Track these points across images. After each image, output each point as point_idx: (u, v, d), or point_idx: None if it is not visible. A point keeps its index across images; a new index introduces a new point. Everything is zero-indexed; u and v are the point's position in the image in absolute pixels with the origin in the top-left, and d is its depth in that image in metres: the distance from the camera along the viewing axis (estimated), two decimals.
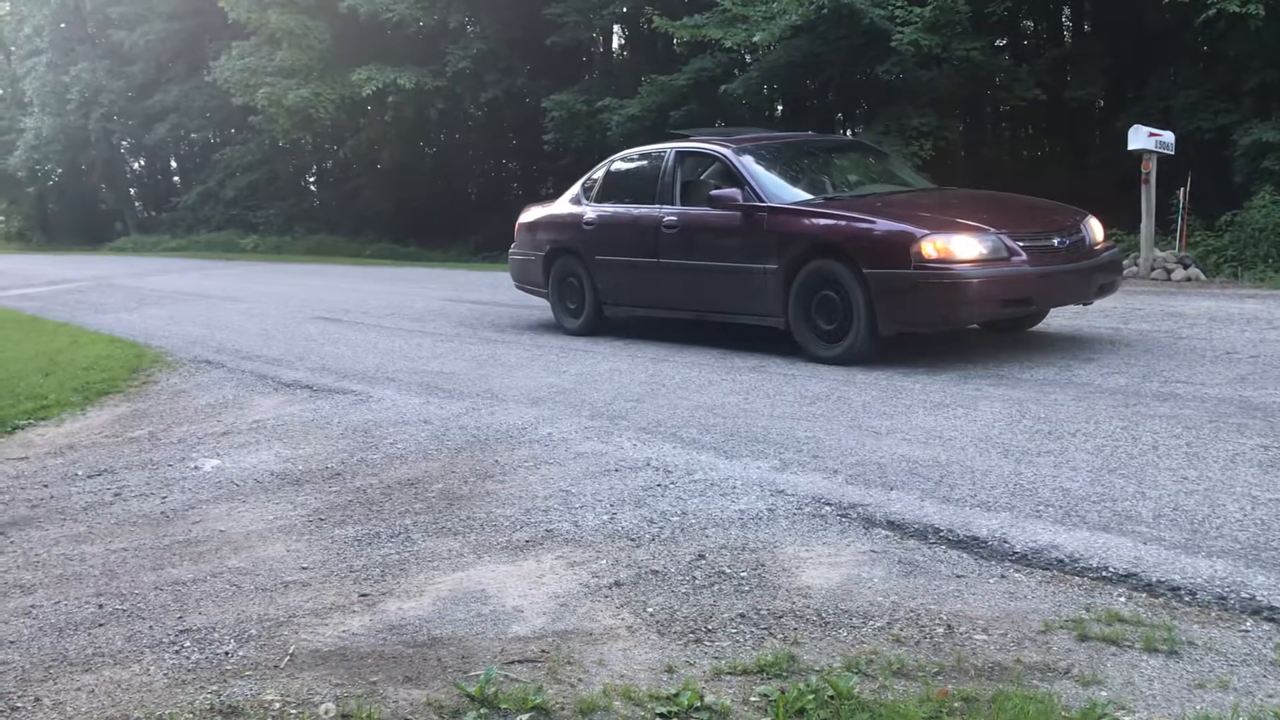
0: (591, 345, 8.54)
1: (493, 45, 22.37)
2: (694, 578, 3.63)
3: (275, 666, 3.19)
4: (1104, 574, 3.41)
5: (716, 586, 3.55)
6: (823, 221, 7.28)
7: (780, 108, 20.81)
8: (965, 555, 3.68)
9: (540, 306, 10.13)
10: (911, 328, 7.08)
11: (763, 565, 3.70)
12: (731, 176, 7.92)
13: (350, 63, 22.70)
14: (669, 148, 8.74)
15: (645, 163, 8.96)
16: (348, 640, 3.35)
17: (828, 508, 4.22)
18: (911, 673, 2.89)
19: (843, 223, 7.15)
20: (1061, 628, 3.08)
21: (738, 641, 3.16)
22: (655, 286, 8.49)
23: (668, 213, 8.30)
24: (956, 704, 2.69)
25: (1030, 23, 18.14)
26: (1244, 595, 3.16)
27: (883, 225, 6.99)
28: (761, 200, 7.57)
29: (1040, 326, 7.99)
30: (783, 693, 2.80)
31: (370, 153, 27.32)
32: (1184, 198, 11.36)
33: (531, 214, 10.02)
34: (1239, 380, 5.84)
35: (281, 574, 3.97)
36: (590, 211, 9.09)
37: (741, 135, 8.81)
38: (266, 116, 24.94)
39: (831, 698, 2.75)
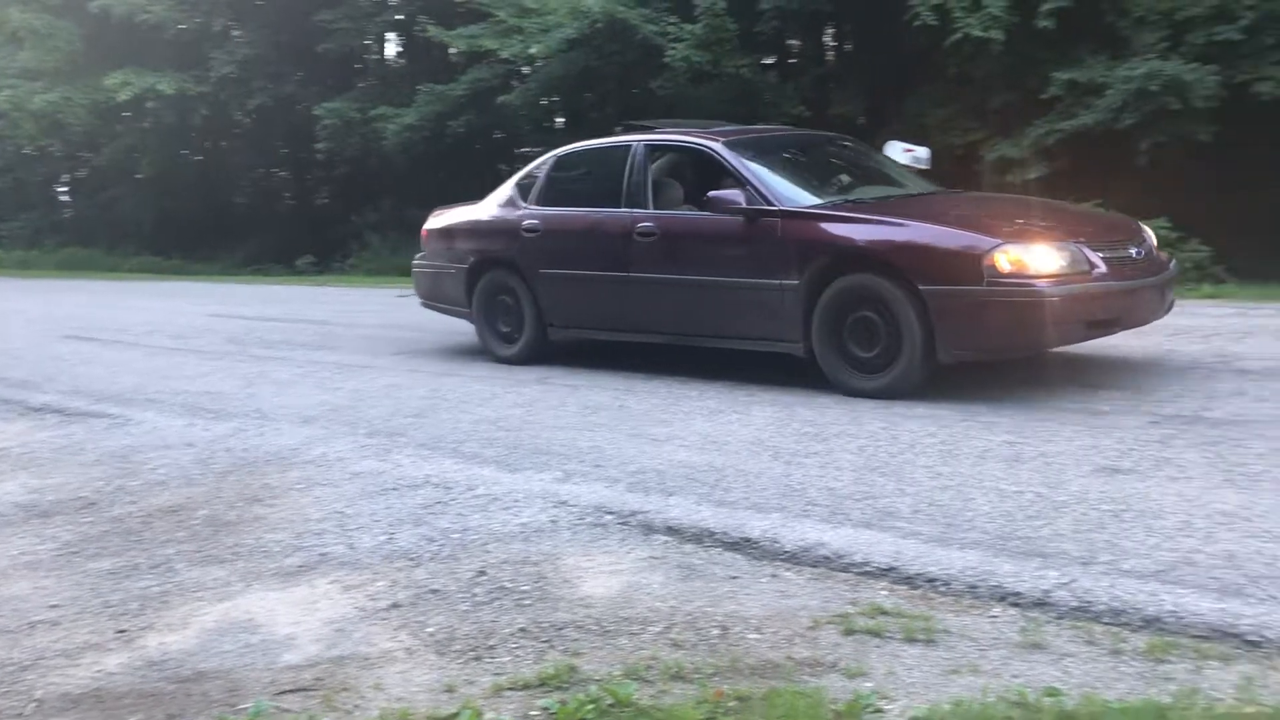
0: (369, 360, 8.34)
1: (260, 50, 21.57)
2: (475, 595, 3.59)
3: (19, 715, 2.96)
4: (867, 569, 3.58)
5: (498, 602, 3.53)
6: (857, 228, 6.19)
7: (560, 120, 20.96)
8: (739, 556, 3.78)
9: (321, 320, 9.82)
10: (978, 354, 6.01)
11: (544, 578, 3.70)
12: (725, 175, 6.77)
13: (103, 66, 21.40)
14: (635, 141, 7.40)
15: (605, 159, 7.67)
16: (103, 680, 3.14)
17: (609, 516, 4.26)
18: (688, 675, 2.94)
19: (887, 229, 6.08)
20: (829, 623, 3.21)
21: (518, 656, 3.15)
22: (624, 306, 7.17)
23: (641, 218, 7.03)
24: (731, 703, 2.76)
25: (796, 42, 18.91)
26: (992, 583, 3.38)
27: (944, 232, 5.96)
28: (770, 203, 6.45)
29: None
30: (563, 704, 2.80)
31: (128, 161, 25.80)
32: None
33: (446, 218, 8.55)
34: (988, 382, 6.24)
35: (27, 613, 3.68)
36: (531, 216, 7.69)
37: (717, 127, 7.75)
38: (10, 121, 23.21)
39: (611, 706, 2.77)
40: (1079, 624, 3.09)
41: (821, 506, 4.18)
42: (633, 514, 4.26)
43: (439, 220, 8.59)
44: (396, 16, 21.62)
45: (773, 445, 5.12)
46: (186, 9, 21.12)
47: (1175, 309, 6.51)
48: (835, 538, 3.83)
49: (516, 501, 4.53)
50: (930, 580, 3.45)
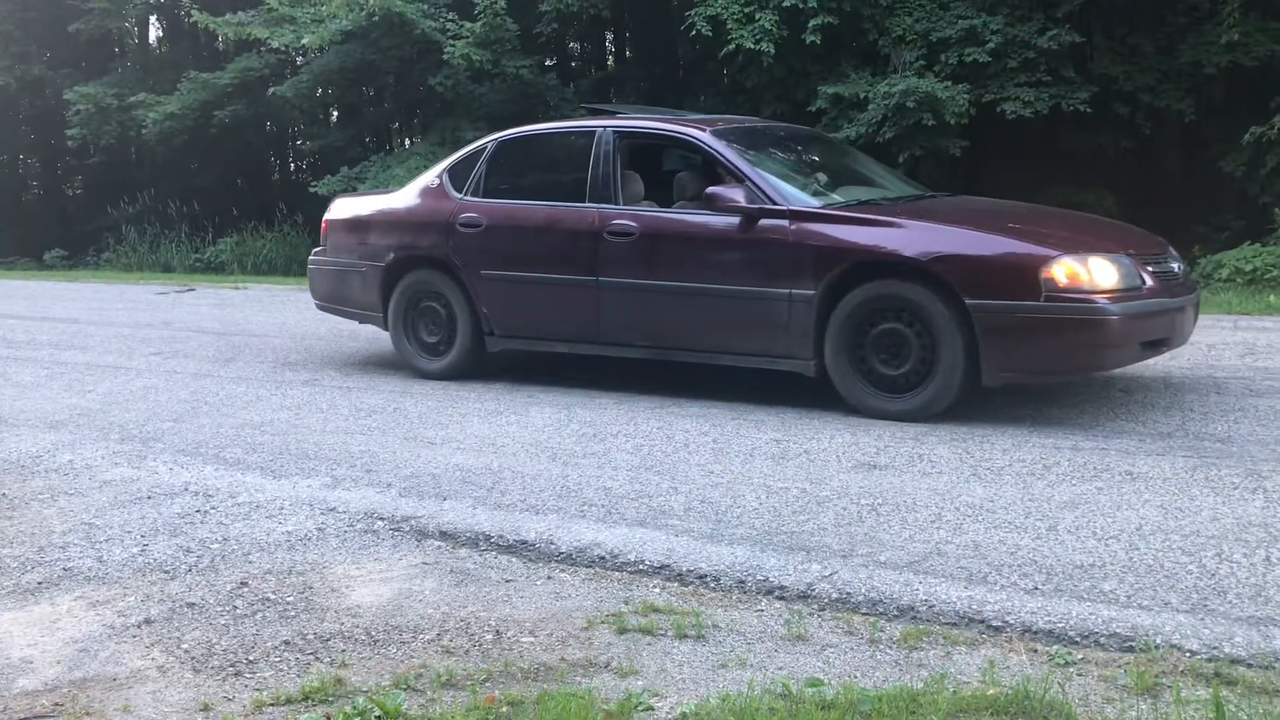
0: (124, 361, 7.84)
1: (3, 26, 20.02)
2: (235, 607, 3.42)
3: None
4: (640, 567, 3.62)
5: (260, 614, 3.37)
6: (885, 232, 5.51)
7: (335, 113, 20.37)
8: (515, 559, 3.75)
9: (71, 318, 9.16)
10: (1029, 376, 5.48)
11: (311, 588, 3.56)
12: (715, 170, 6.11)
13: None
14: (601, 127, 6.50)
15: (563, 145, 6.88)
16: None
17: (380, 522, 4.15)
18: (460, 682, 2.89)
19: (924, 235, 5.45)
20: (603, 623, 3.22)
21: (281, 670, 3.01)
22: (590, 315, 6.31)
23: (614, 215, 6.21)
24: (503, 709, 2.73)
25: (577, 45, 19.06)
26: (759, 578, 3.48)
27: (996, 242, 5.42)
28: (776, 202, 5.76)
29: None
30: (328, 717, 2.70)
31: None
32: None
33: (354, 207, 7.52)
34: (760, 384, 6.43)
35: None
36: (470, 209, 6.72)
37: (686, 116, 7.09)
38: None
39: (379, 717, 2.69)
40: (840, 615, 3.22)
41: (597, 506, 4.20)
42: (405, 519, 4.17)
43: (345, 209, 7.52)
44: None
45: (551, 446, 5.11)
46: None
47: None
48: (610, 537, 3.85)
49: (282, 509, 4.35)
50: (701, 577, 3.52)
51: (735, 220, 5.80)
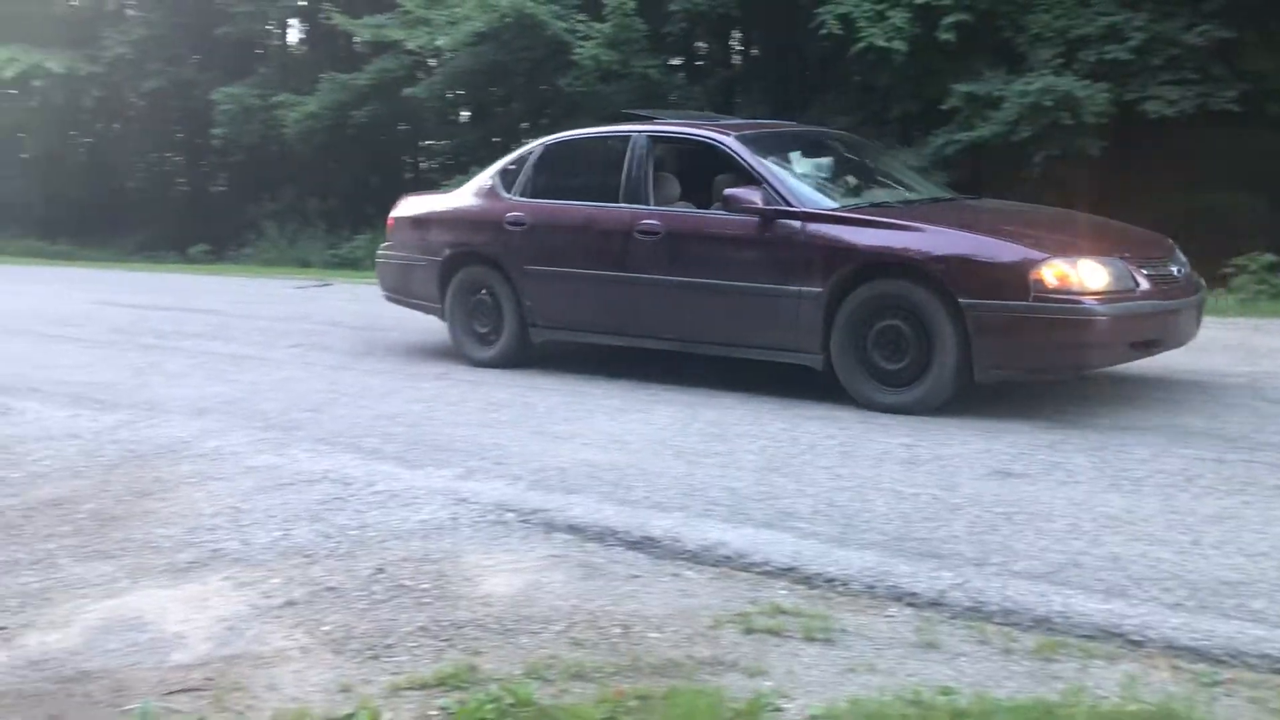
0: (265, 352, 8.15)
1: (157, 31, 20.98)
2: (373, 592, 3.54)
3: None
4: (767, 568, 3.61)
5: (396, 600, 3.47)
6: (890, 234, 5.82)
7: (466, 114, 20.78)
8: (641, 555, 3.79)
9: (214, 310, 9.56)
10: (1018, 373, 5.70)
11: (444, 576, 3.66)
12: (737, 173, 6.40)
13: None
14: (635, 131, 6.92)
15: (601, 149, 7.29)
16: None
17: (510, 514, 4.23)
18: (589, 674, 2.93)
19: (924, 237, 5.74)
20: (729, 622, 3.23)
21: (417, 655, 3.10)
22: (621, 308, 6.72)
23: (644, 215, 6.57)
24: (632, 703, 2.76)
25: (703, 44, 19.05)
26: (889, 583, 3.44)
27: (988, 243, 5.68)
28: (790, 204, 6.08)
29: None
30: (462, 704, 2.77)
31: (13, 141, 24.86)
32: None
33: (417, 205, 8.04)
34: None
35: None
36: (517, 209, 7.16)
37: (724, 120, 7.43)
38: None
39: (511, 705, 2.75)
40: (972, 624, 3.17)
41: (723, 506, 4.21)
42: (534, 512, 4.24)
43: (409, 208, 8.02)
44: (300, 2, 21.20)
45: (675, 445, 5.14)
46: None
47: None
48: (736, 537, 3.86)
49: (416, 498, 4.46)
50: (829, 580, 3.50)
51: (753, 221, 6.10)
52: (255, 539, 4.05)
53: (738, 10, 15.02)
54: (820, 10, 12.47)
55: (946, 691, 2.73)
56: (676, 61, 17.27)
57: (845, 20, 12.22)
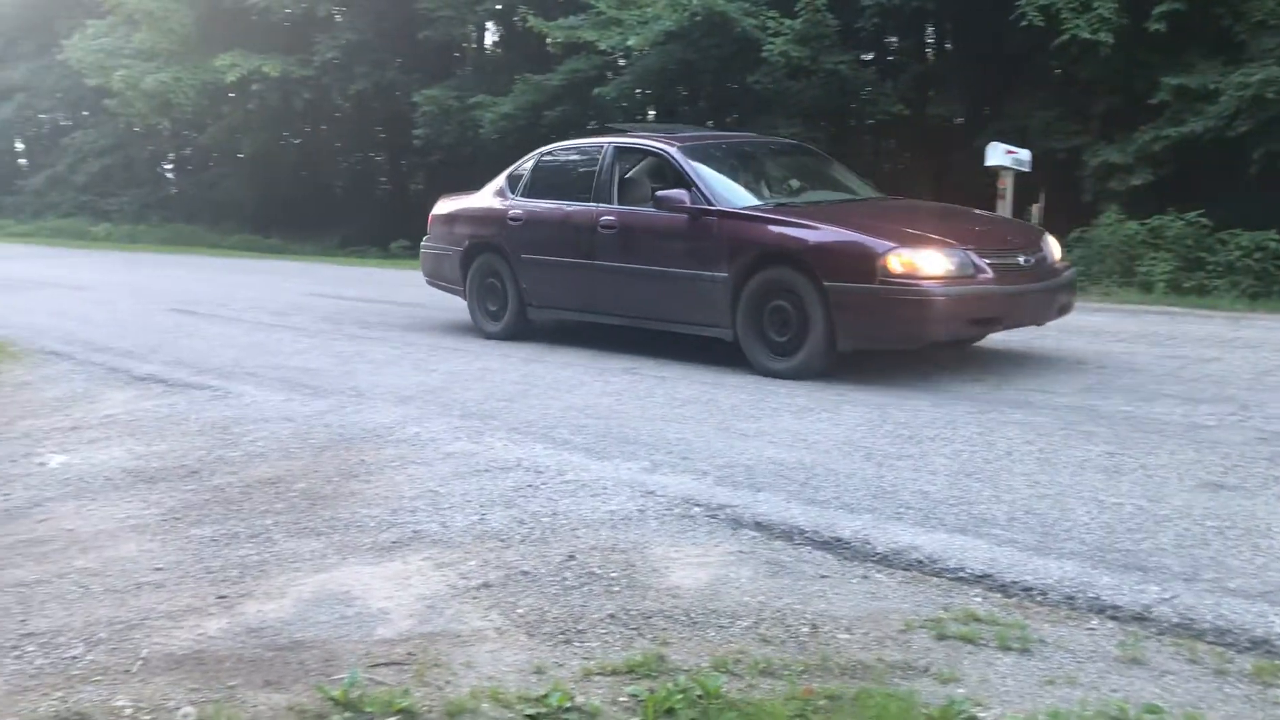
0: (462, 344, 8.45)
1: (363, 36, 21.95)
2: (564, 579, 3.62)
3: (127, 671, 3.06)
4: (961, 575, 3.52)
5: (586, 587, 3.55)
6: (780, 229, 6.87)
7: (653, 113, 20.97)
8: (829, 556, 3.75)
9: (416, 303, 9.96)
10: (872, 344, 6.69)
11: (633, 566, 3.71)
12: (677, 177, 7.46)
13: (213, 47, 21.97)
14: (606, 142, 8.23)
15: (580, 157, 8.48)
16: (204, 643, 3.24)
17: (697, 509, 4.26)
18: (778, 671, 2.93)
19: (803, 231, 6.77)
20: (921, 627, 3.17)
21: (607, 642, 3.16)
22: (588, 290, 7.97)
23: (605, 212, 7.79)
24: (821, 702, 2.75)
25: (895, 39, 18.67)
26: (1090, 595, 3.31)
27: (847, 236, 6.63)
28: (711, 203, 7.15)
29: None
30: (651, 693, 2.81)
31: (231, 141, 26.50)
32: (1037, 214, 11.84)
33: (448, 205, 9.36)
34: (1087, 390, 6.11)
35: (134, 575, 3.81)
36: (517, 207, 8.48)
37: (682, 133, 8.52)
38: (122, 100, 23.94)
39: (700, 697, 2.77)
40: (1181, 641, 3.01)
41: (915, 510, 4.13)
42: (721, 507, 4.25)
43: (444, 207, 9.36)
44: (496, 6, 21.80)
45: (864, 446, 5.06)
46: None
47: None
48: (929, 542, 3.78)
49: (605, 489, 4.55)
50: (1026, 589, 3.39)
51: (684, 217, 7.19)
52: (453, 522, 4.21)
53: (933, 4, 14.65)
54: (1021, 2, 12.05)
55: (1153, 710, 2.61)
56: (868, 57, 17.00)
57: (1047, 12, 11.78)
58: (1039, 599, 3.33)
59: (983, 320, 6.62)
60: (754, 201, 7.36)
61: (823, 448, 5.06)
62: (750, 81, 15.13)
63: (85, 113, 31.66)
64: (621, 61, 18.13)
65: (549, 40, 18.67)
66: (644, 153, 8.01)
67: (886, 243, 6.41)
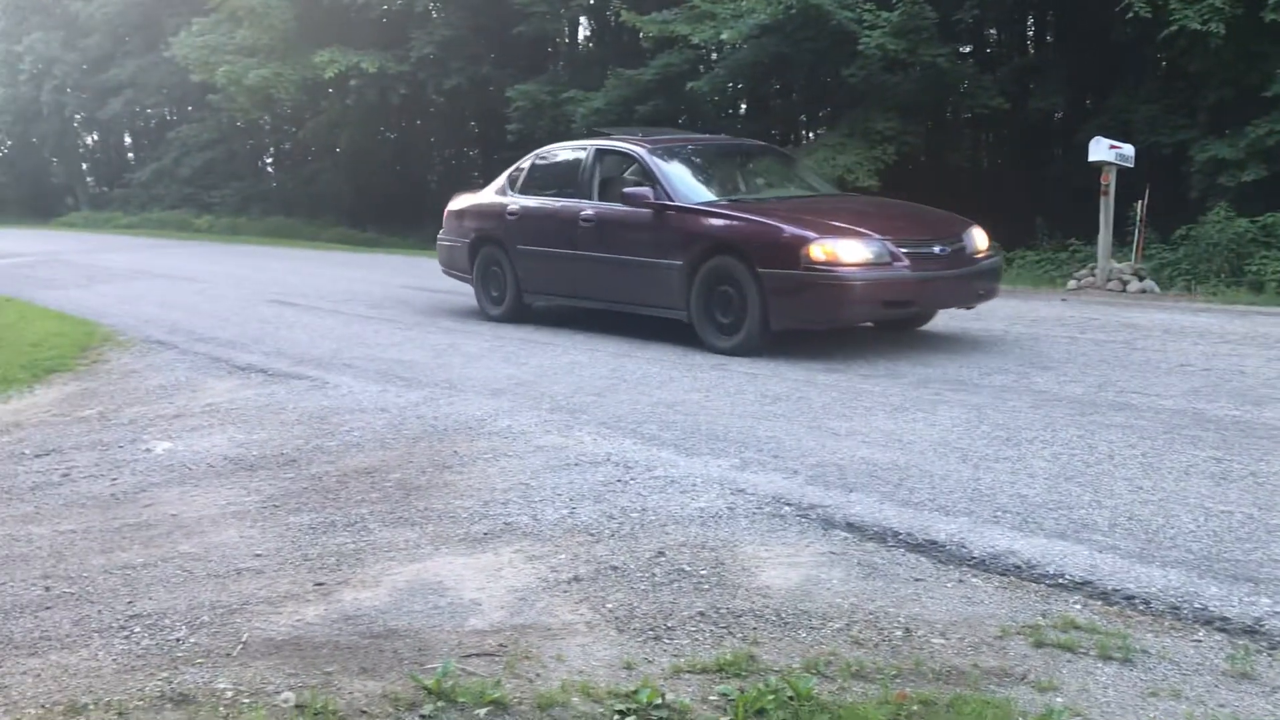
0: (552, 338, 8.51)
1: (458, 32, 22.21)
2: (654, 574, 3.62)
3: (228, 654, 3.14)
4: (1060, 581, 3.44)
5: (676, 584, 3.54)
6: (723, 222, 7.67)
7: (744, 106, 20.87)
8: (923, 559, 3.69)
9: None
10: (801, 324, 7.46)
11: (722, 564, 3.70)
12: (645, 175, 8.25)
13: (313, 44, 22.44)
14: (590, 144, 9.09)
15: (567, 158, 9.28)
16: (302, 629, 3.30)
17: (787, 508, 4.22)
18: (870, 675, 2.89)
19: (741, 224, 7.57)
20: (1018, 633, 3.10)
21: (697, 640, 3.15)
22: (572, 277, 8.78)
23: (585, 207, 8.61)
24: (915, 707, 2.70)
25: (995, 31, 18.32)
26: (1197, 605, 3.20)
27: (776, 228, 7.38)
28: (671, 199, 7.94)
29: (999, 333, 8.08)
30: (742, 692, 2.79)
31: (329, 136, 27.04)
32: (1141, 210, 11.51)
33: (460, 202, 10.29)
34: (1193, 393, 5.92)
35: (235, 560, 3.91)
36: (514, 202, 9.36)
37: (659, 136, 9.20)
38: (225, 95, 24.62)
39: (791, 698, 2.75)
40: None
41: (1012, 514, 4.04)
42: (812, 507, 4.21)
43: (455, 204, 10.34)
44: (590, 1, 21.89)
45: (960, 447, 4.97)
46: None
47: None
48: (1027, 546, 3.70)
49: (694, 486, 4.53)
50: (1129, 597, 3.29)
51: (648, 212, 7.99)
52: (544, 515, 4.23)
53: None
54: None
55: None
56: (966, 49, 16.69)
57: (1155, 2, 11.42)
58: (1142, 608, 3.24)
59: (896, 302, 7.32)
60: (711, 197, 8.18)
61: (918, 448, 4.98)
62: (845, 75, 14.95)
63: (190, 108, 32.66)
64: (714, 55, 18.07)
65: (642, 34, 18.66)
66: (620, 154, 8.77)
67: (810, 234, 7.13)
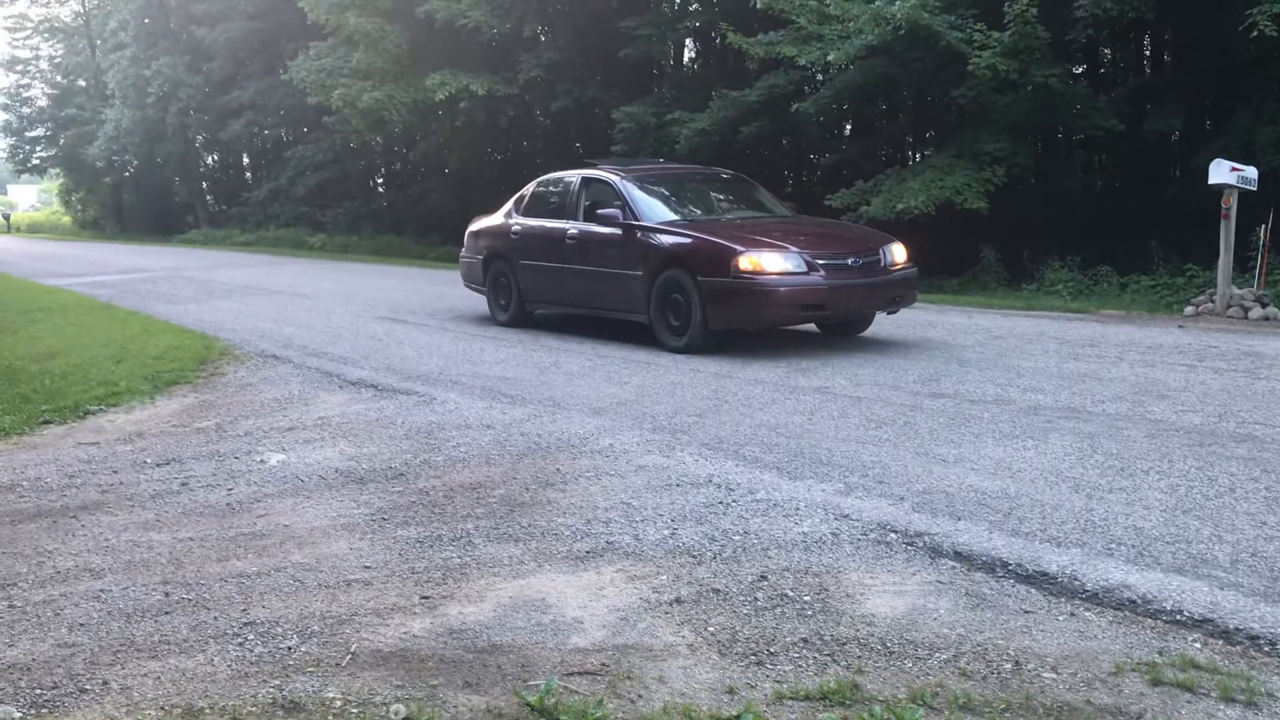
0: (654, 358, 8.54)
1: (566, 55, 22.50)
2: (756, 599, 3.60)
3: (337, 664, 3.21)
4: (1178, 618, 3.33)
5: (779, 609, 3.52)
6: (674, 239, 8.92)
7: (849, 128, 20.71)
8: (1034, 591, 3.60)
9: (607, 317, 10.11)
10: (733, 325, 8.62)
11: (826, 590, 3.66)
12: (617, 198, 9.52)
13: (424, 67, 22.94)
14: (579, 173, 10.46)
15: (561, 184, 10.59)
16: (409, 642, 3.36)
17: (893, 535, 4.16)
18: (978, 708, 2.83)
19: (686, 240, 8.84)
20: (1134, 670, 3.01)
21: (800, 666, 3.12)
22: (561, 287, 10.16)
23: (571, 226, 9.96)
24: None
25: (1109, 51, 17.87)
26: None
27: (714, 242, 8.62)
28: (636, 220, 9.25)
29: (1113, 359, 7.86)
30: None
31: (439, 156, 27.58)
32: (1264, 235, 11.11)
33: (477, 224, 11.64)
34: None
35: (344, 571, 3.99)
36: (517, 223, 10.76)
37: (636, 165, 10.84)
38: (340, 117, 25.31)
39: None
40: None
41: (1127, 546, 3.92)
42: (918, 535, 4.15)
43: (474, 225, 11.68)
44: (696, 23, 21.98)
45: (1072, 477, 4.84)
46: (501, 14, 22.29)
47: None
48: (1142, 581, 3.58)
49: (797, 510, 4.50)
50: (1252, 637, 3.17)
51: (618, 231, 9.31)
52: (646, 535, 4.24)
53: (1152, 13, 13.94)
54: (1252, 10, 11.34)
55: None
56: (1079, 70, 16.33)
57: None
58: (1266, 649, 3.11)
59: (810, 306, 8.43)
60: (670, 218, 9.43)
61: (1028, 477, 4.87)
62: (954, 96, 14.73)
63: (305, 129, 33.66)
64: (820, 76, 17.97)
65: (747, 56, 18.66)
66: (600, 180, 10.00)
67: (739, 247, 8.37)
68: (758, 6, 15.93)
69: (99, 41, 43.81)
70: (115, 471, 5.60)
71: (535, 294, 10.57)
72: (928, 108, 17.42)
